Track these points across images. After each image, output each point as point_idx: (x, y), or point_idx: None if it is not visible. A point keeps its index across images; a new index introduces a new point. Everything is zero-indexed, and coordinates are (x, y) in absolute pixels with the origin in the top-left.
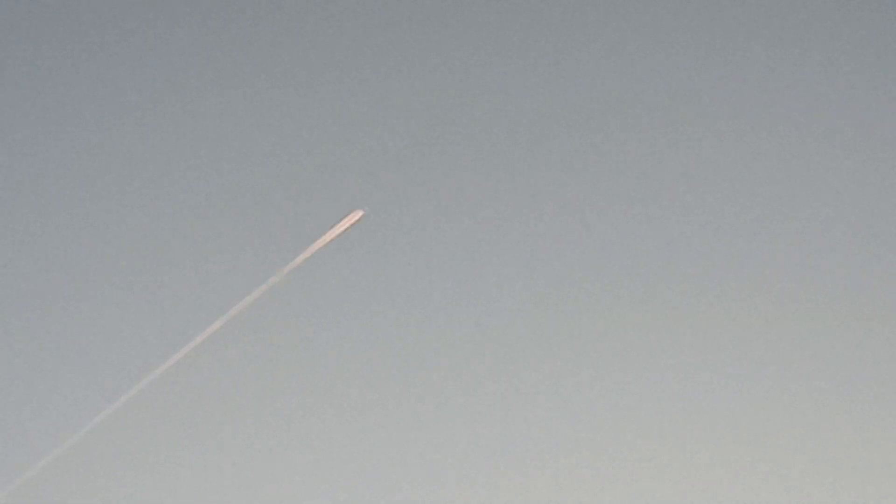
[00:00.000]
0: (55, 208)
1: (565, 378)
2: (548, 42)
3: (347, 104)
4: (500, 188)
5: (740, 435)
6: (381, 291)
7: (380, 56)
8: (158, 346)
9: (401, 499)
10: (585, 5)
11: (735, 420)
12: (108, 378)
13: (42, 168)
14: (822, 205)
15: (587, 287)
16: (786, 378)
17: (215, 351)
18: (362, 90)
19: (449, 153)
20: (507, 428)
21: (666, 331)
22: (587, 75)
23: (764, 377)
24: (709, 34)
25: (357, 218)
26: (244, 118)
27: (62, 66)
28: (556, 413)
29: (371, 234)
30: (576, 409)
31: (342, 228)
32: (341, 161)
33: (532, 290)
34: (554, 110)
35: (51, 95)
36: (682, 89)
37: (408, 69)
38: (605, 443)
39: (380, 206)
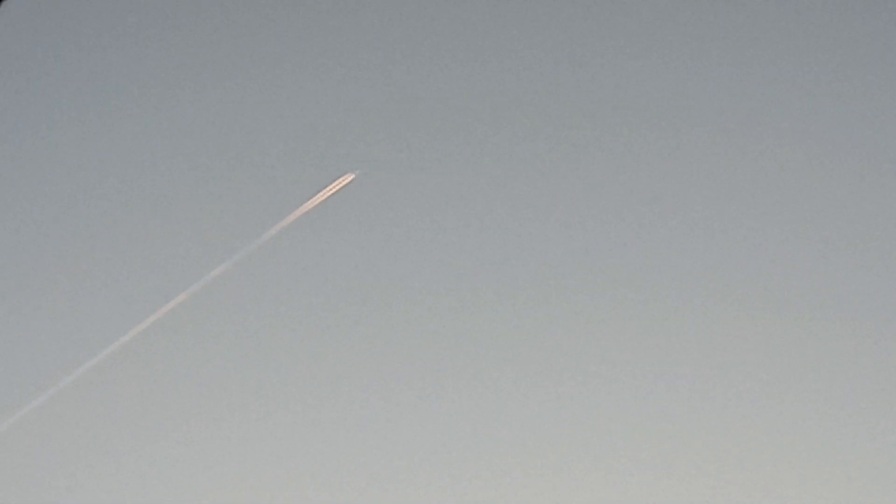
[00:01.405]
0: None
1: (554, 363)
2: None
3: (345, 62)
4: (494, 157)
5: (740, 435)
6: (367, 258)
7: (379, 23)
8: (139, 306)
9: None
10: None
11: (735, 420)
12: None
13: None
14: (821, 205)
15: (571, 265)
16: (785, 378)
17: (200, 309)
18: (358, 59)
19: (443, 122)
20: (495, 414)
21: (661, 328)
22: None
23: (763, 377)
24: (709, 34)
25: (347, 181)
26: (240, 76)
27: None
28: (546, 405)
29: (360, 199)
30: (568, 402)
31: (332, 191)
32: (334, 124)
33: (527, 266)
34: (548, 83)
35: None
36: (682, 89)
37: (406, 37)
38: (602, 440)
39: (371, 170)
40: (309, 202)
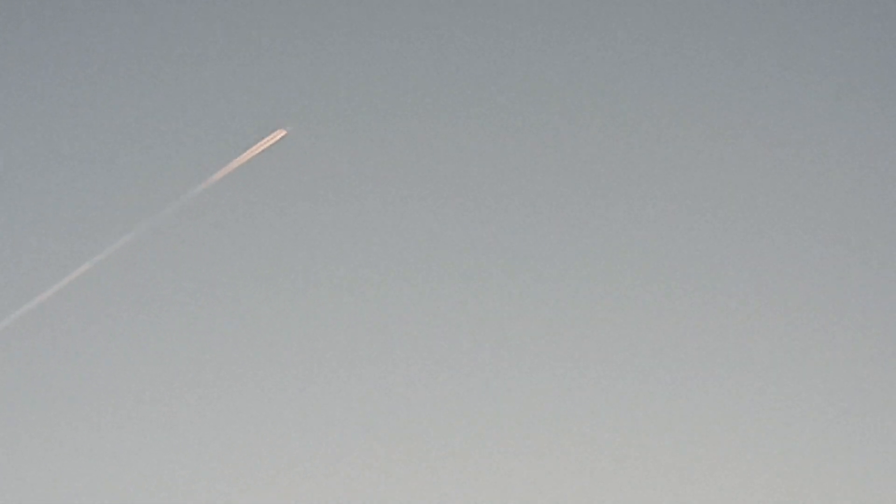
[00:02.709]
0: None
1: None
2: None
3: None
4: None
5: (739, 436)
6: (298, 212)
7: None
8: (71, 258)
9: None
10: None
11: (734, 420)
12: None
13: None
14: (820, 206)
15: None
16: (784, 378)
17: (131, 265)
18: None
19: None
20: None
21: (658, 327)
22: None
23: (762, 377)
24: (709, 34)
25: (279, 137)
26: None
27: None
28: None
29: (292, 155)
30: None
31: (263, 146)
32: (268, 80)
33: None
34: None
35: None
36: (682, 90)
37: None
38: (601, 440)
39: (303, 127)
40: (240, 157)
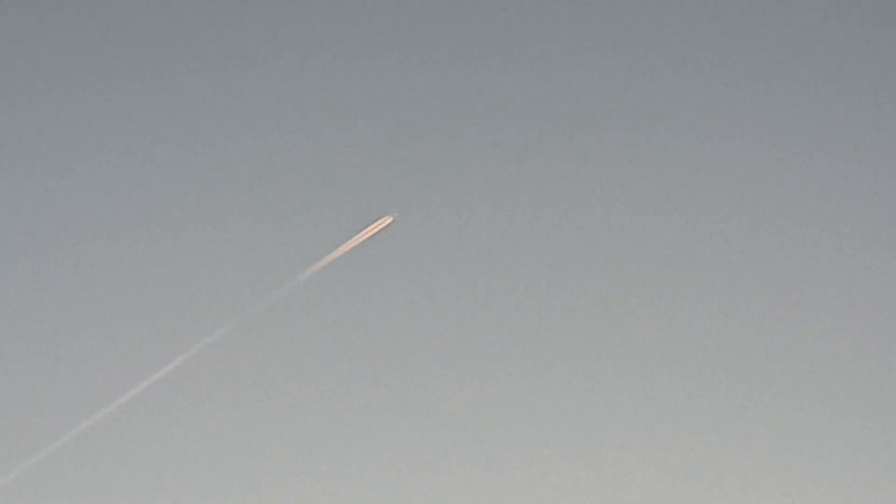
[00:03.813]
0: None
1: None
2: (554, 46)
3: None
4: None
5: (739, 436)
6: (406, 296)
7: (414, 64)
8: (178, 341)
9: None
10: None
11: (735, 421)
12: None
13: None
14: (820, 206)
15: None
16: (782, 379)
17: (237, 348)
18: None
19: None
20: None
21: (661, 330)
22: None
23: (762, 378)
24: (708, 35)
25: (386, 223)
26: (278, 119)
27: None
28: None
29: (399, 241)
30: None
31: (371, 233)
32: (373, 166)
33: (559, 293)
34: (565, 119)
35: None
36: (682, 90)
37: (427, 75)
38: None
39: (410, 213)
40: (348, 243)
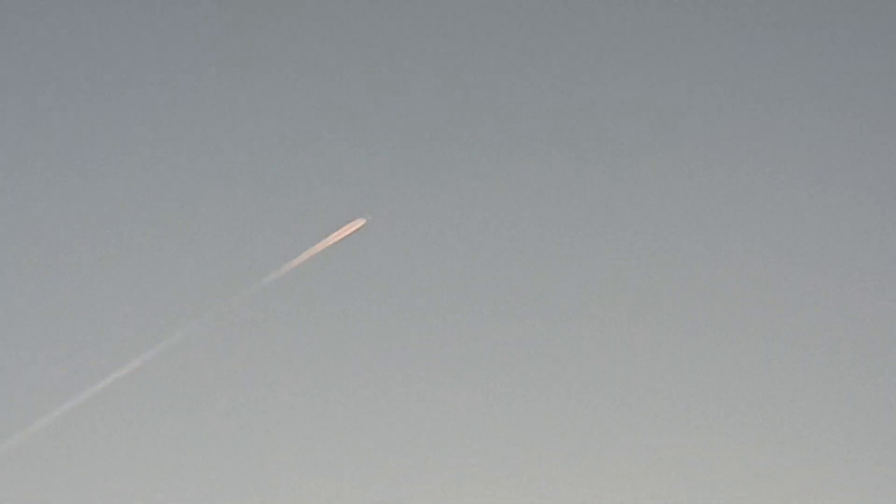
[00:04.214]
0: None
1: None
2: (553, 48)
3: (355, 106)
4: (503, 197)
5: (738, 438)
6: (378, 299)
7: (389, 62)
8: (146, 344)
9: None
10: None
11: (733, 421)
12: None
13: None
14: (820, 205)
15: (587, 294)
16: (783, 378)
17: (206, 350)
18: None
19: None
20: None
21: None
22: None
23: (763, 379)
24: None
25: (359, 226)
26: (254, 118)
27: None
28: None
29: (372, 243)
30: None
31: (343, 235)
32: (347, 167)
33: (536, 296)
34: (558, 121)
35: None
36: (682, 91)
37: (416, 74)
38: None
39: (382, 215)
40: (319, 244)
